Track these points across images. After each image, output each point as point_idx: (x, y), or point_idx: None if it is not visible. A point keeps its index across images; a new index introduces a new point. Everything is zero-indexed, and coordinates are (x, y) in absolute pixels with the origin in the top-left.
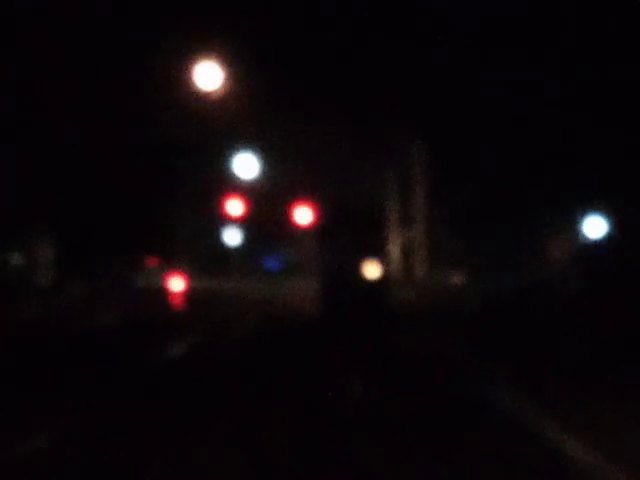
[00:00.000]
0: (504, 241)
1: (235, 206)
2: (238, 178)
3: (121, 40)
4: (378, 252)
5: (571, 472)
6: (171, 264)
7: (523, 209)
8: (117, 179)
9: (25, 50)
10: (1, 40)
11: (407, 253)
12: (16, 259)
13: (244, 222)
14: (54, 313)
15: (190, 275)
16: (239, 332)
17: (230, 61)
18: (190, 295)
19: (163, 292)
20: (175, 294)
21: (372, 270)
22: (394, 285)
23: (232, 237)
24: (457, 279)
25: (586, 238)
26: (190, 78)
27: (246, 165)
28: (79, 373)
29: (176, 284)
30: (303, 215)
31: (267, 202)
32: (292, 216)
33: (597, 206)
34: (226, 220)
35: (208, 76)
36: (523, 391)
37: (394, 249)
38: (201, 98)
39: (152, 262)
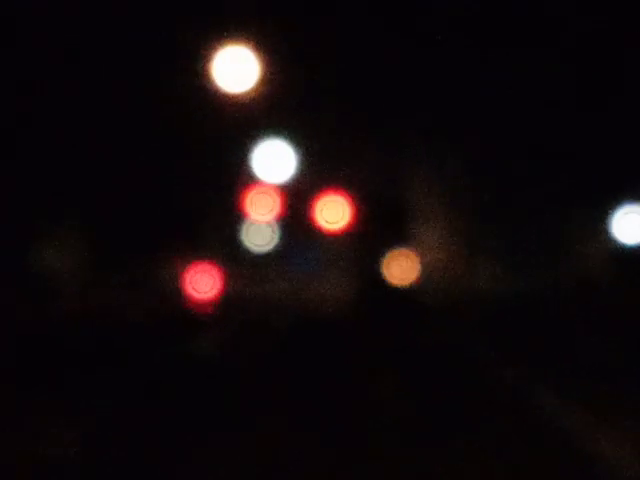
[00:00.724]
0: (538, 238)
1: (265, 203)
2: (270, 175)
3: (154, 32)
4: (411, 249)
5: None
6: (200, 262)
7: (558, 206)
8: (145, 176)
9: (57, 44)
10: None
11: (442, 250)
12: (49, 256)
13: (274, 220)
14: (87, 309)
15: (219, 274)
16: (269, 330)
17: (262, 56)
18: (219, 294)
19: (193, 290)
20: (204, 293)
21: (405, 267)
22: (427, 281)
23: (262, 235)
24: (492, 276)
25: (621, 236)
26: (226, 75)
27: (277, 162)
28: (107, 369)
29: (205, 282)
30: (335, 212)
31: (298, 200)
32: (323, 213)
33: (632, 204)
34: (256, 217)
35: (245, 73)
36: (554, 388)
37: (429, 246)
38: (232, 94)
39: (182, 260)
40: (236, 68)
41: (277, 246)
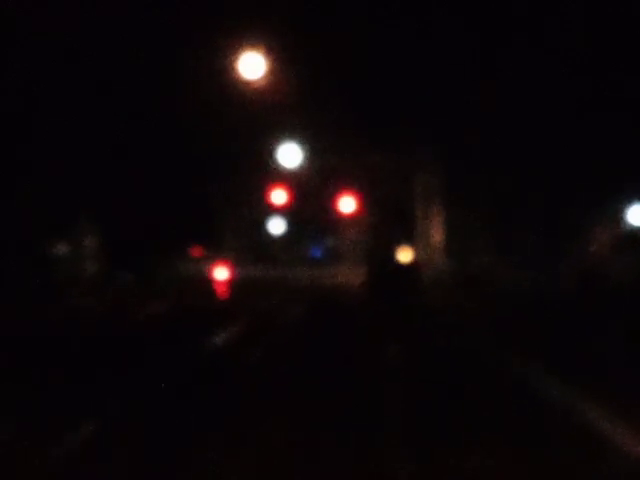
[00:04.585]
0: (547, 229)
1: (279, 196)
2: (282, 168)
3: (166, 30)
4: (415, 239)
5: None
6: (216, 253)
7: (567, 197)
8: (161, 169)
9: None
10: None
11: (447, 240)
12: (62, 249)
13: (288, 211)
14: (101, 302)
15: (235, 264)
16: (286, 315)
17: (274, 52)
18: (235, 284)
19: (208, 281)
20: (220, 283)
21: (406, 255)
22: (430, 269)
23: (276, 226)
24: (492, 263)
25: (630, 226)
26: (235, 69)
27: (290, 155)
28: (125, 361)
29: (221, 273)
30: (345, 204)
31: (310, 191)
32: (335, 205)
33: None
34: (270, 209)
35: (253, 67)
36: (557, 372)
37: (436, 235)
38: (246, 89)
39: (197, 252)
40: (252, 65)
41: (292, 235)
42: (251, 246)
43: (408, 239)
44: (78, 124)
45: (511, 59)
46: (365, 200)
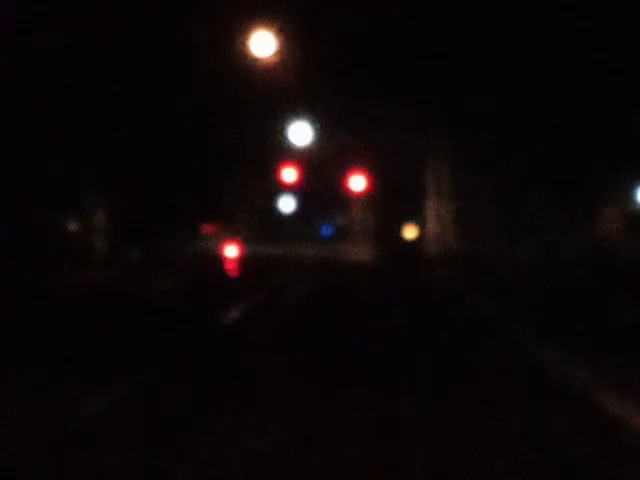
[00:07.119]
0: (556, 208)
1: (289, 174)
2: (293, 146)
3: (177, 10)
4: (425, 217)
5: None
6: (226, 231)
7: (575, 176)
8: (172, 147)
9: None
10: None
11: (455, 218)
12: (72, 226)
13: (298, 189)
14: (111, 279)
15: (245, 242)
16: (296, 292)
17: (285, 30)
18: (245, 261)
19: (219, 258)
20: (230, 260)
21: (412, 232)
22: (439, 245)
23: (287, 204)
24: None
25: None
26: (246, 47)
27: (301, 133)
28: (135, 337)
29: (231, 251)
30: (356, 183)
31: (321, 170)
32: (345, 183)
33: None
34: (281, 187)
35: (264, 45)
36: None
37: (445, 215)
38: (256, 67)
39: (208, 229)
40: (263, 44)
41: (304, 211)
42: (261, 224)
43: (416, 217)
44: (86, 103)
45: (524, 39)
46: (375, 178)
